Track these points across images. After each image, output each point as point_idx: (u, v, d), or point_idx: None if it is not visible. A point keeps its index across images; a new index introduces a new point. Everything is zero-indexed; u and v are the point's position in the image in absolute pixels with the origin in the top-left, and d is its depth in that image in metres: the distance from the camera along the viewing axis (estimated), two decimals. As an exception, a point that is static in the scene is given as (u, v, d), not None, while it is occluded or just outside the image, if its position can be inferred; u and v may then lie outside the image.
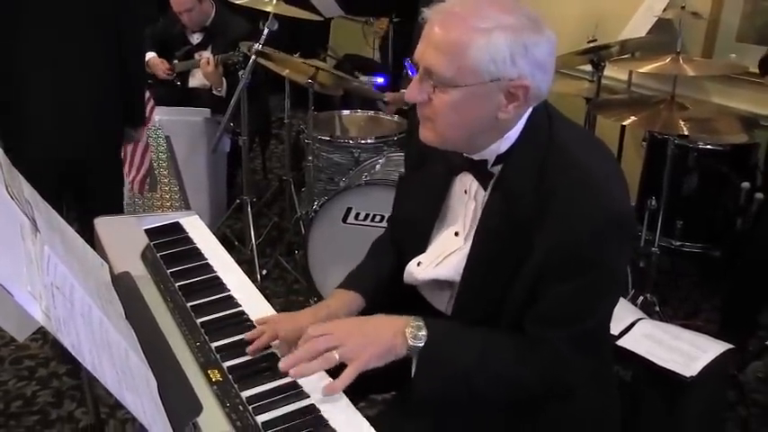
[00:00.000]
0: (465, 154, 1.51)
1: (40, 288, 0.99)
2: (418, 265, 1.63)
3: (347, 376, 1.36)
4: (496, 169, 1.48)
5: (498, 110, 1.39)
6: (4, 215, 1.04)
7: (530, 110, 1.45)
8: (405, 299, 1.72)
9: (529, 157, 1.43)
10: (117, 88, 2.82)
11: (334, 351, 1.38)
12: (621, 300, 2.58)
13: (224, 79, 4.18)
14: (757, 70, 3.27)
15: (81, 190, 2.94)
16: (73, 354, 0.98)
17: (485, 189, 1.50)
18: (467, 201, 1.56)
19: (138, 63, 3.01)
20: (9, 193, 1.13)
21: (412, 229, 1.67)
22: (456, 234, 1.58)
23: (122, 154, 3.41)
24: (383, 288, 1.73)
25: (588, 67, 3.73)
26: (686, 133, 2.86)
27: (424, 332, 1.43)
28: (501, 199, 1.46)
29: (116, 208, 3.08)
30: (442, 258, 1.58)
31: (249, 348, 1.49)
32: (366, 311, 1.67)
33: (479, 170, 1.50)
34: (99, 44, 2.73)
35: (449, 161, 1.56)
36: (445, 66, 1.36)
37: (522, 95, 1.38)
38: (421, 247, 1.64)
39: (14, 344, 3.13)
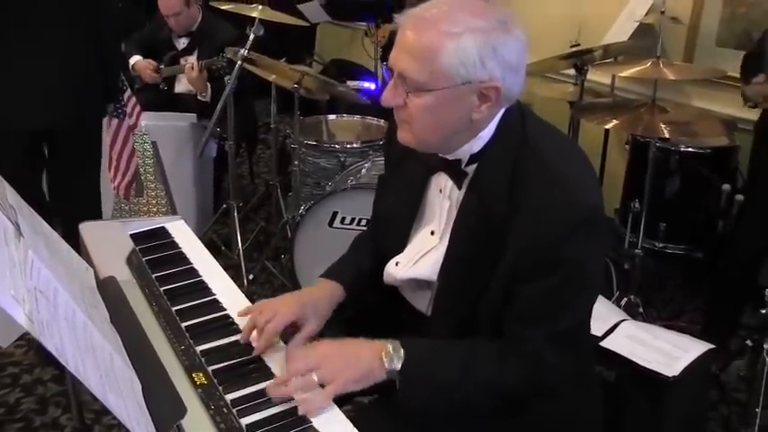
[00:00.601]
0: (440, 154, 1.53)
1: (23, 292, 1.00)
2: (396, 264, 1.65)
3: (324, 396, 1.37)
4: (470, 168, 1.51)
5: (472, 111, 1.42)
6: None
7: (502, 110, 1.48)
8: (387, 300, 1.75)
9: (502, 157, 1.46)
10: (93, 65, 2.97)
11: (312, 373, 1.39)
12: (605, 301, 2.62)
13: (209, 84, 4.19)
14: (737, 74, 3.32)
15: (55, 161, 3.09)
16: (57, 357, 0.99)
17: (459, 188, 1.53)
18: (442, 200, 1.58)
19: (116, 39, 3.27)
20: (-7, 198, 1.14)
21: (391, 228, 1.70)
22: (432, 233, 1.61)
23: (108, 159, 3.42)
24: (364, 281, 1.76)
25: (571, 71, 3.75)
26: (667, 136, 2.89)
27: (401, 353, 1.44)
28: (475, 199, 1.48)
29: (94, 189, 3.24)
30: (419, 257, 1.60)
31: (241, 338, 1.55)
32: (346, 303, 1.71)
33: (454, 170, 1.53)
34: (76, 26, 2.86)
35: (425, 161, 1.58)
36: (418, 70, 1.38)
37: (493, 96, 1.40)
38: (400, 246, 1.66)
39: (-3, 351, 3.13)
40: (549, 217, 1.38)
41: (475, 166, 1.50)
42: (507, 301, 1.45)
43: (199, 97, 4.24)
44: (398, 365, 1.43)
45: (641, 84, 3.97)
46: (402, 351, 1.44)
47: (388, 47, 5.30)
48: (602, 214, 1.47)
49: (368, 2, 4.93)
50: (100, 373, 1.10)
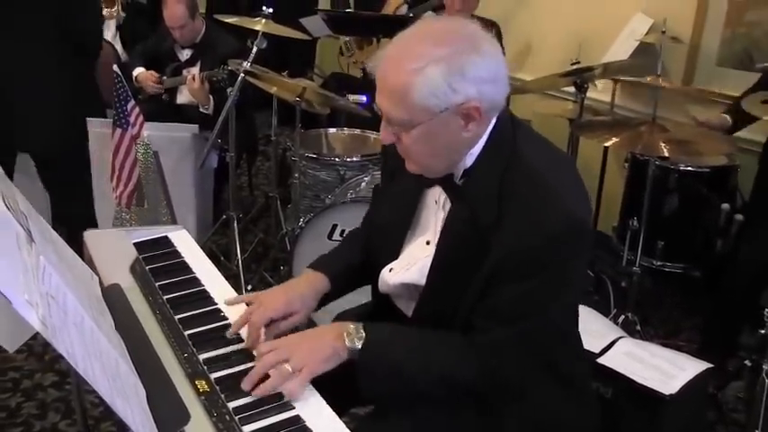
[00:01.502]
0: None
1: (36, 297, 1.01)
2: (390, 270, 1.70)
3: (301, 380, 1.42)
4: (463, 182, 1.55)
5: (461, 131, 1.46)
6: (1, 225, 1.07)
7: (494, 120, 1.52)
8: (379, 308, 1.82)
9: (491, 168, 1.50)
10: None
11: (285, 364, 1.44)
12: (603, 318, 2.63)
13: (211, 97, 4.21)
14: (736, 93, 3.35)
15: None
16: (68, 360, 1.00)
17: (452, 201, 1.57)
18: (437, 211, 1.63)
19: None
20: (5, 203, 1.15)
21: (385, 237, 1.74)
22: (427, 243, 1.64)
23: (111, 168, 3.44)
24: (351, 274, 1.82)
25: (571, 89, 3.78)
26: (667, 155, 2.91)
27: (362, 334, 1.51)
28: (464, 206, 1.53)
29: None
30: (413, 265, 1.65)
31: (229, 332, 1.61)
32: (331, 294, 1.77)
33: (448, 184, 1.57)
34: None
35: (419, 177, 1.62)
36: (397, 110, 1.44)
37: (476, 114, 1.44)
38: (393, 255, 1.71)
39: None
40: (532, 225, 1.42)
41: (465, 179, 1.55)
42: (481, 299, 1.50)
43: (201, 109, 4.25)
44: (359, 345, 1.50)
45: (641, 102, 4.00)
46: (363, 332, 1.52)
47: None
48: (585, 225, 1.51)
49: (370, 17, 4.96)
50: (107, 378, 1.11)
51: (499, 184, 1.48)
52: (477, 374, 1.51)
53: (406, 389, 1.52)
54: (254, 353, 1.53)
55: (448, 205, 1.58)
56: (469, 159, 1.52)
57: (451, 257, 1.55)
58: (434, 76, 1.38)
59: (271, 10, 3.57)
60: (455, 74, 1.39)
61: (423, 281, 1.60)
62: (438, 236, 1.60)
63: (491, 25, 3.89)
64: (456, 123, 1.44)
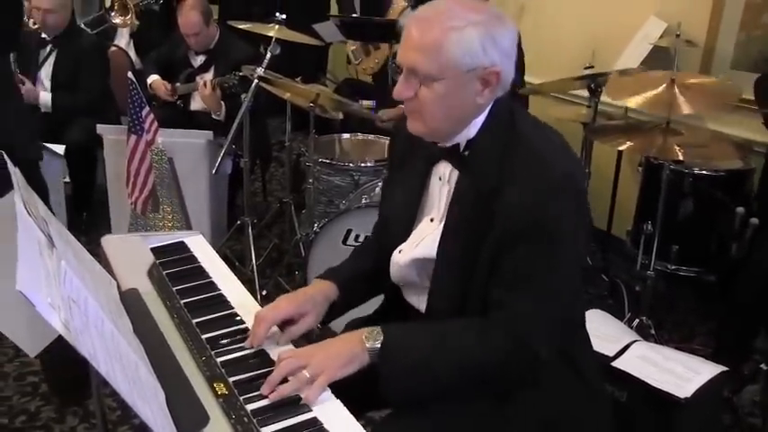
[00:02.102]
0: (440, 144, 1.67)
1: (58, 300, 1.03)
2: (399, 252, 1.75)
3: (318, 386, 1.44)
4: (468, 152, 1.64)
5: (476, 96, 1.57)
6: (24, 231, 1.09)
7: (494, 99, 1.61)
8: (391, 309, 1.87)
9: (493, 140, 1.60)
10: None
11: (303, 370, 1.46)
12: (617, 322, 2.63)
13: (222, 103, 4.23)
14: (751, 96, 3.34)
15: None
16: (90, 362, 1.02)
17: (459, 171, 1.65)
18: (441, 186, 1.70)
19: None
20: (27, 209, 1.17)
21: (396, 224, 1.80)
22: (432, 220, 1.72)
23: (126, 174, 3.47)
24: (360, 282, 1.87)
25: (585, 93, 3.78)
26: (681, 159, 2.91)
27: (380, 333, 1.54)
28: (469, 177, 1.61)
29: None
30: (420, 241, 1.71)
31: (246, 343, 1.60)
32: (340, 302, 1.80)
33: (453, 155, 1.66)
34: None
35: (425, 154, 1.71)
36: (427, 63, 1.53)
37: (494, 81, 1.56)
38: (404, 239, 1.77)
39: (18, 360, 3.16)
40: (529, 185, 1.52)
41: (469, 151, 1.64)
42: (493, 273, 1.55)
43: (213, 116, 4.28)
44: (378, 344, 1.52)
45: (653, 106, 3.99)
46: (381, 332, 1.54)
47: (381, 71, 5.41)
48: (579, 181, 1.60)
49: (381, 22, 4.98)
50: (128, 380, 1.13)
51: (501, 153, 1.57)
52: (504, 353, 1.53)
53: (428, 383, 1.54)
54: (275, 359, 1.54)
55: (454, 178, 1.66)
56: (473, 129, 1.62)
57: (460, 226, 1.61)
58: (471, 37, 1.51)
59: (284, 16, 3.59)
60: (489, 38, 1.52)
61: (432, 253, 1.66)
62: (444, 210, 1.67)
63: None
64: (474, 87, 1.55)
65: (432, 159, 1.71)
